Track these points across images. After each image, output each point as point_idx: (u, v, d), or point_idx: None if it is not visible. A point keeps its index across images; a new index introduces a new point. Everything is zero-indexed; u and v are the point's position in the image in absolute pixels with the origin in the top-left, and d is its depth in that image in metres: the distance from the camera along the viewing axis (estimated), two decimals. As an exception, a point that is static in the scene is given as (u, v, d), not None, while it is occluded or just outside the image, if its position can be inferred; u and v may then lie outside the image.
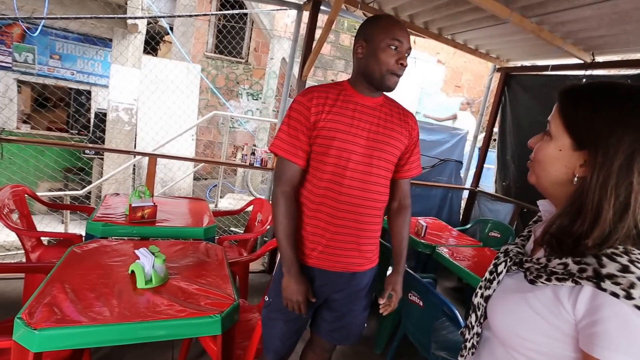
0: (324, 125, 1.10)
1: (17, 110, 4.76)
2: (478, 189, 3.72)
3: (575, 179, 0.56)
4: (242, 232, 3.16)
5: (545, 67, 2.93)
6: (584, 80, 2.63)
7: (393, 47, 1.04)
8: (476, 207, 3.80)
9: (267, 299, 1.25)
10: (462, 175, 3.93)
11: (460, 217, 3.91)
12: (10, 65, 4.55)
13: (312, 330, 1.33)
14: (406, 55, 1.08)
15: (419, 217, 2.99)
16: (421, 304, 1.69)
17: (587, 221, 0.53)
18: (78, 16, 3.29)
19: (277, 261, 1.25)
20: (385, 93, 1.17)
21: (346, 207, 1.11)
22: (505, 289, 0.64)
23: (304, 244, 1.16)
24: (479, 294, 0.69)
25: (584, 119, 0.55)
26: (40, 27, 3.95)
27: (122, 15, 3.57)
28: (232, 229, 4.24)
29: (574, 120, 0.56)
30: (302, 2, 2.72)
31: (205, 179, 6.82)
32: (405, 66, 1.08)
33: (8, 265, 1.46)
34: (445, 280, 3.39)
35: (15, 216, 1.85)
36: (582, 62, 2.62)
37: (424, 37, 2.99)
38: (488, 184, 4.27)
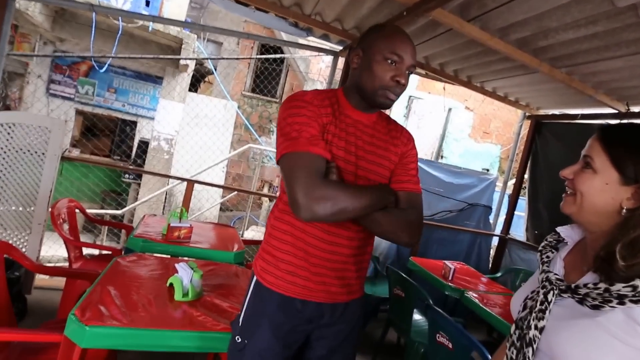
0: (326, 138, 0.93)
1: (71, 136, 5.24)
2: (509, 236, 3.60)
3: (624, 210, 0.60)
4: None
5: (577, 116, 2.94)
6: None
7: (390, 62, 0.91)
8: (507, 256, 3.65)
9: (238, 339, 0.96)
10: (491, 221, 3.83)
11: (490, 265, 3.77)
12: (73, 96, 5.14)
13: None
14: (408, 72, 0.95)
15: (446, 261, 2.92)
16: (450, 346, 1.62)
17: (637, 248, 0.57)
18: (143, 56, 3.70)
19: (250, 291, 0.99)
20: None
21: (328, 228, 0.94)
22: (562, 317, 0.63)
23: (281, 269, 0.96)
24: (532, 326, 0.65)
25: (634, 156, 0.60)
26: (106, 65, 4.47)
27: (178, 57, 3.97)
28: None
29: (623, 157, 0.61)
30: (338, 50, 2.94)
31: (231, 211, 6.98)
32: (403, 85, 0.94)
33: (59, 268, 1.58)
34: (474, 332, 3.18)
35: (65, 227, 2.01)
36: (616, 111, 2.62)
37: (453, 84, 3.11)
38: (519, 232, 4.13)
